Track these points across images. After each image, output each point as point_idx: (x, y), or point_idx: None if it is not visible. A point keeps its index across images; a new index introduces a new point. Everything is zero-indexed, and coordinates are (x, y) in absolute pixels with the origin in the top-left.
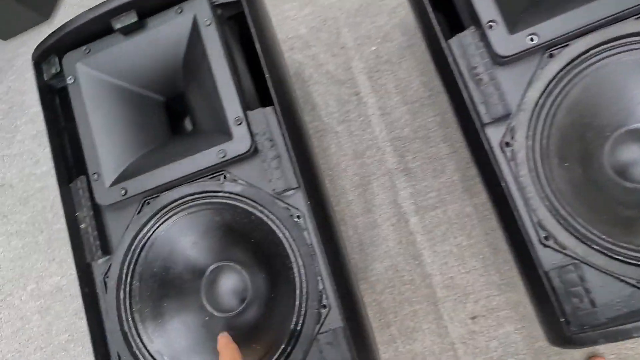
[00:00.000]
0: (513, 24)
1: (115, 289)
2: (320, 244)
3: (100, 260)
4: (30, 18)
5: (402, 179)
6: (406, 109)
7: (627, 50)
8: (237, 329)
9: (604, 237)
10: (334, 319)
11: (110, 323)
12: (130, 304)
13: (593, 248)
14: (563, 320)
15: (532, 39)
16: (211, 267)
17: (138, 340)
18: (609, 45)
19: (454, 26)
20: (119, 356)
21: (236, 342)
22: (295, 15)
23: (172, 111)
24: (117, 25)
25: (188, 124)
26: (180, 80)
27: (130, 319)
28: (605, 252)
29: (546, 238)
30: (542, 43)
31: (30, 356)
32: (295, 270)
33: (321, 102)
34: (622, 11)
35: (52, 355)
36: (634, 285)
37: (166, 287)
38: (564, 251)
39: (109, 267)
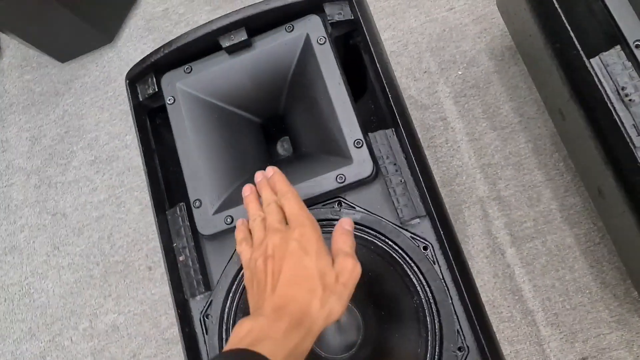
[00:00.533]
0: None
1: (217, 329)
2: (455, 278)
3: (199, 297)
4: (92, 40)
5: (495, 207)
6: (496, 135)
7: None
8: None
9: None
10: None
11: None
12: None
13: None
14: None
15: None
16: None
17: None
18: None
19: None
20: None
21: None
22: None
23: (265, 133)
24: (226, 43)
25: (280, 148)
26: (282, 101)
27: None
28: None
29: None
30: None
31: None
32: (426, 308)
33: None
34: None
35: None
36: None
37: None
38: None
39: (209, 304)
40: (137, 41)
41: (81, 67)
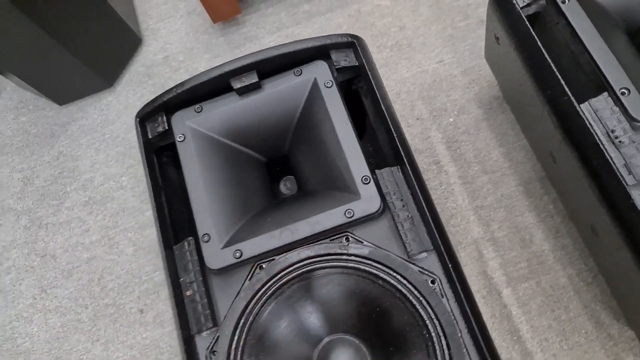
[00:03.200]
0: None
1: None
2: (464, 311)
3: (205, 333)
4: (92, 84)
5: (489, 248)
6: (487, 178)
7: None
8: None
9: None
10: None
11: None
12: None
13: None
14: None
15: None
16: (325, 341)
17: None
18: None
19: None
20: None
21: None
22: None
23: (270, 172)
24: (237, 85)
25: (283, 187)
26: (287, 141)
27: None
28: None
29: None
30: None
31: None
32: (436, 341)
33: None
34: None
35: None
36: None
37: None
38: None
39: (216, 340)
40: (136, 86)
41: (79, 110)
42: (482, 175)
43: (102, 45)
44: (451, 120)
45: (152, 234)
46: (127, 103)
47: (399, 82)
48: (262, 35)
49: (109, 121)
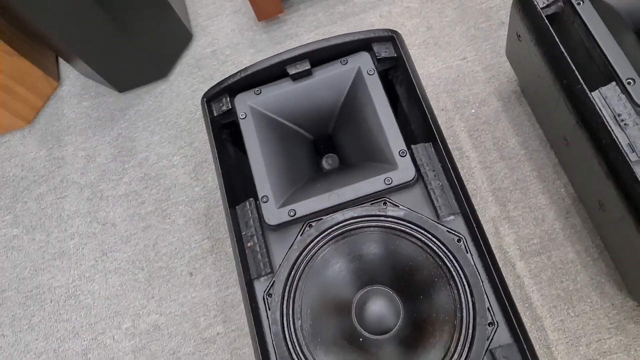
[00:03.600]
0: None
1: (279, 306)
2: (486, 265)
3: (263, 279)
4: (149, 74)
5: (505, 226)
6: (504, 164)
7: None
8: (394, 349)
9: None
10: (503, 335)
11: (275, 339)
12: (293, 321)
13: None
14: None
15: None
16: (362, 291)
17: (302, 356)
18: None
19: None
20: None
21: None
22: None
23: (315, 148)
24: (292, 71)
25: (325, 163)
26: (333, 121)
27: (293, 335)
28: None
29: None
30: None
31: None
32: (461, 290)
33: None
34: None
35: None
36: None
37: (324, 306)
38: None
39: (272, 285)
40: (187, 76)
41: (136, 97)
42: (500, 161)
43: (159, 39)
44: (473, 111)
45: (200, 206)
46: (178, 91)
47: (425, 76)
48: (302, 32)
49: (162, 107)
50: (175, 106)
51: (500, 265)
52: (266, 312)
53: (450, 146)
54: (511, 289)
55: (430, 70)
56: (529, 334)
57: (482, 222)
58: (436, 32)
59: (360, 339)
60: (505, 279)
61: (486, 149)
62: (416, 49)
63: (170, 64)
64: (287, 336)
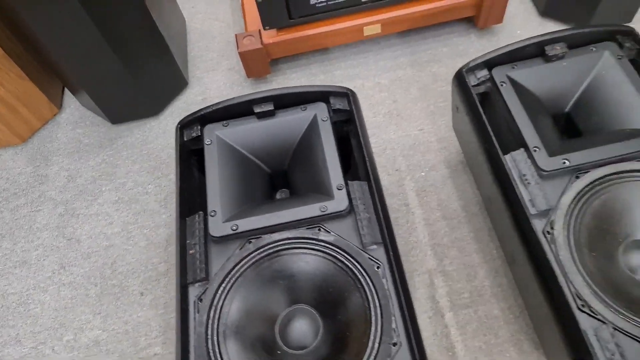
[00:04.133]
0: (551, 150)
1: (207, 310)
2: (397, 291)
3: (197, 284)
4: (143, 111)
5: (440, 278)
6: (445, 223)
7: (633, 180)
8: None
9: (625, 309)
10: (404, 355)
11: (197, 339)
12: (218, 325)
13: (619, 316)
14: None
15: (564, 162)
16: (289, 309)
17: (219, 356)
18: (618, 175)
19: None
20: None
21: None
22: None
23: (272, 183)
24: (257, 110)
25: (278, 196)
26: (288, 158)
27: (215, 339)
28: (628, 320)
29: (582, 305)
30: (572, 166)
31: None
32: (373, 310)
33: None
34: (629, 154)
35: None
36: None
37: (249, 317)
38: (597, 316)
39: (205, 291)
40: (176, 117)
41: (127, 130)
42: (442, 220)
43: (157, 81)
44: (423, 174)
45: (163, 232)
46: (165, 129)
47: (386, 140)
48: None
49: (148, 141)
50: (160, 141)
51: (431, 315)
52: (194, 315)
53: (398, 202)
54: (438, 337)
55: (391, 136)
56: None
57: (419, 273)
58: (400, 105)
59: (279, 352)
60: (429, 338)
61: (431, 208)
62: (381, 117)
63: (163, 104)
64: (209, 338)
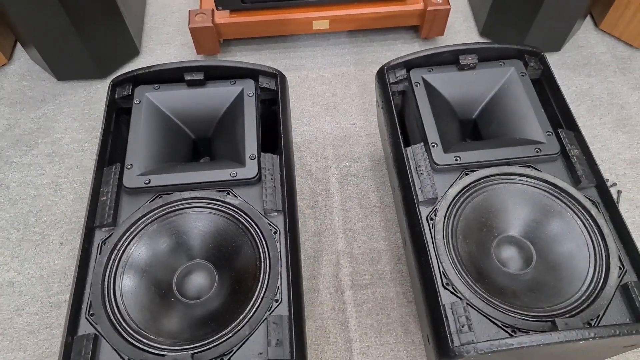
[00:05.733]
0: (447, 148)
1: (109, 252)
2: (286, 254)
3: (104, 229)
4: (89, 71)
5: (346, 259)
6: (360, 211)
7: (511, 183)
8: (197, 312)
9: (484, 291)
10: (283, 310)
11: (95, 277)
12: (117, 267)
13: (476, 294)
14: (449, 336)
15: (456, 159)
16: (189, 263)
17: (112, 296)
18: (500, 177)
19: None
20: (90, 303)
21: (196, 322)
22: (297, 129)
23: (195, 149)
24: (188, 77)
25: (203, 162)
26: (213, 127)
27: (112, 277)
28: (483, 299)
29: (447, 283)
30: (462, 163)
31: None
32: (263, 269)
33: (299, 189)
34: (513, 158)
35: None
36: (498, 326)
37: (149, 264)
38: (456, 293)
39: (110, 235)
40: None
41: (71, 88)
42: (358, 207)
43: (106, 45)
44: (347, 164)
45: None
46: None
47: (320, 129)
48: None
49: (92, 102)
50: (103, 103)
51: (332, 291)
52: (96, 256)
53: (320, 187)
54: (335, 312)
55: (325, 127)
56: (338, 353)
57: (327, 253)
58: (338, 99)
59: (172, 299)
60: (327, 312)
61: (349, 196)
62: (319, 108)
63: (112, 69)
64: (106, 277)
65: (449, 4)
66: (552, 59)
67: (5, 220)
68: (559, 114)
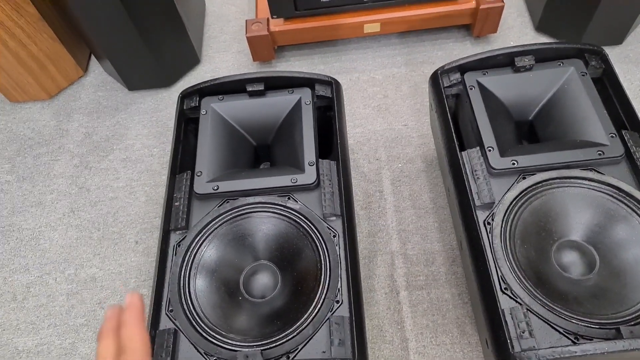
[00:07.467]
0: (503, 151)
1: (183, 254)
2: (345, 257)
3: (178, 232)
4: (156, 81)
5: (400, 260)
6: (414, 212)
7: (572, 186)
8: (263, 311)
9: (544, 296)
10: (344, 311)
11: (172, 276)
12: (190, 267)
13: (536, 300)
14: (509, 342)
15: (513, 163)
16: (254, 263)
17: (188, 294)
18: (560, 180)
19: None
20: (169, 300)
21: (262, 320)
22: (349, 131)
23: (256, 154)
24: (249, 88)
25: (262, 167)
26: (272, 134)
27: (187, 277)
28: (544, 305)
29: (505, 288)
30: (520, 167)
31: (42, 330)
32: (324, 271)
33: (353, 190)
34: (573, 162)
35: (62, 334)
36: (560, 332)
37: (219, 264)
38: (515, 298)
39: (184, 238)
40: None
41: (141, 97)
42: (411, 209)
43: (171, 56)
44: (400, 165)
45: (162, 191)
46: (175, 100)
47: (372, 131)
48: None
49: (159, 109)
50: (169, 110)
51: (387, 292)
52: (172, 257)
53: (374, 188)
54: (390, 312)
55: (377, 128)
56: (395, 352)
57: (382, 253)
58: (390, 100)
59: (240, 298)
60: (383, 312)
61: (402, 197)
62: (370, 110)
63: (176, 78)
64: (182, 277)
65: (503, 1)
66: (613, 52)
67: (87, 221)
68: (622, 114)
